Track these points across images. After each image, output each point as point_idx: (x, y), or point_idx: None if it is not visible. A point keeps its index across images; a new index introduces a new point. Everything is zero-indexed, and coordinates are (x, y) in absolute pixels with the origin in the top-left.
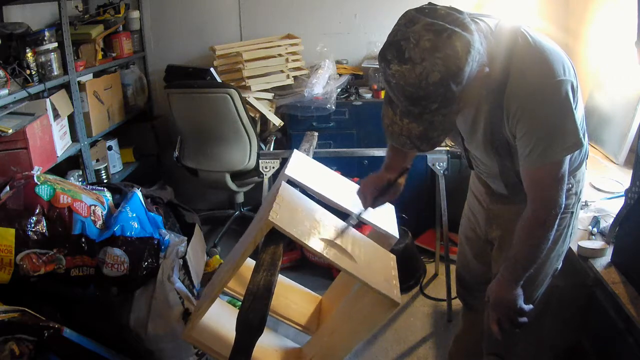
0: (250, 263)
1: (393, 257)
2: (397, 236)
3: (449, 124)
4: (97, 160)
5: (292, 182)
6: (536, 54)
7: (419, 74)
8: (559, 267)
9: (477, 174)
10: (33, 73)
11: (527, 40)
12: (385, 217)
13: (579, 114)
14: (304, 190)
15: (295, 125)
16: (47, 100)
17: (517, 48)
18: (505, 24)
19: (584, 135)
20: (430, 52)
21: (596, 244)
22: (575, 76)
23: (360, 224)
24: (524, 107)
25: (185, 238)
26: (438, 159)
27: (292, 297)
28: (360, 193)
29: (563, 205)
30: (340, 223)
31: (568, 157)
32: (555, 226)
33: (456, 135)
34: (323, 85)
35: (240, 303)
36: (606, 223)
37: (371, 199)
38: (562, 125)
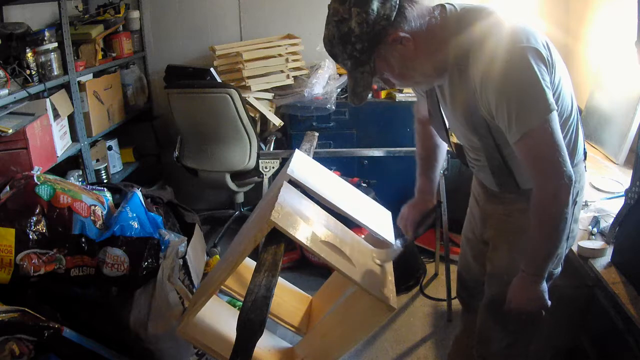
0: (248, 262)
1: (390, 262)
2: (393, 242)
3: (369, 82)
4: (97, 160)
5: (293, 182)
6: (497, 25)
7: (326, 36)
8: (558, 271)
9: (474, 173)
10: (33, 73)
11: (491, 14)
12: (381, 223)
13: (566, 89)
14: (304, 191)
15: (295, 125)
16: (47, 100)
17: (479, 22)
18: (474, 5)
19: (570, 113)
20: (331, 17)
21: (596, 244)
22: (547, 48)
23: (355, 226)
24: (487, 78)
25: (185, 238)
26: None
27: (284, 296)
28: (401, 223)
29: (573, 176)
30: (340, 225)
31: (554, 121)
32: (571, 201)
33: (440, 129)
34: (323, 85)
35: (240, 303)
36: (606, 223)
37: (413, 229)
38: (528, 90)
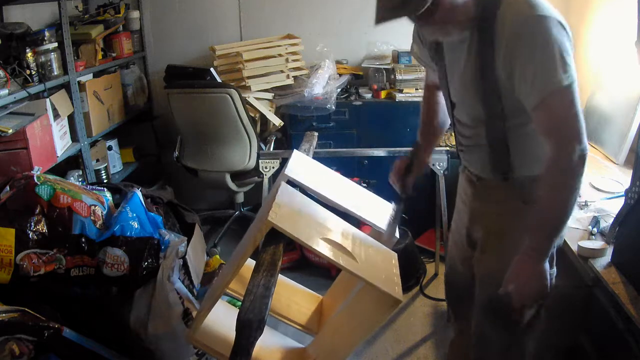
0: (250, 263)
1: (394, 255)
2: (397, 236)
3: None
4: (97, 160)
5: (292, 182)
6: None
7: None
8: (553, 272)
9: (462, 169)
10: (33, 73)
11: None
12: (384, 217)
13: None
14: (304, 190)
15: (295, 125)
16: (47, 100)
17: None
18: None
19: None
20: None
21: (596, 244)
22: (569, 30)
23: (360, 224)
24: (518, 33)
25: (185, 238)
26: (438, 159)
27: (292, 297)
28: (391, 179)
29: (587, 148)
30: (341, 222)
31: (576, 90)
32: (583, 174)
33: (447, 102)
34: (323, 85)
35: (240, 303)
36: (606, 223)
37: (401, 185)
38: (560, 51)
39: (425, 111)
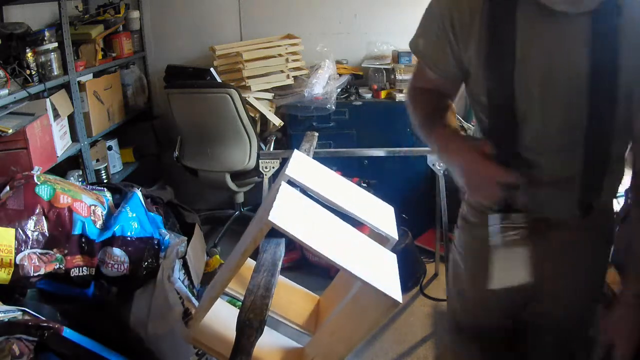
0: (250, 263)
1: (393, 256)
2: (397, 238)
3: None
4: (97, 160)
5: (292, 182)
6: None
7: None
8: None
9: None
10: (33, 73)
11: None
12: (384, 219)
13: None
14: (304, 191)
15: (295, 125)
16: (47, 100)
17: None
18: None
19: None
20: None
21: None
22: None
23: (359, 225)
24: None
25: (185, 238)
26: (438, 159)
27: (290, 296)
28: (484, 184)
29: None
30: (341, 223)
31: None
32: None
33: (500, 111)
34: (323, 85)
35: (240, 303)
36: None
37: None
38: None
39: (421, 107)
